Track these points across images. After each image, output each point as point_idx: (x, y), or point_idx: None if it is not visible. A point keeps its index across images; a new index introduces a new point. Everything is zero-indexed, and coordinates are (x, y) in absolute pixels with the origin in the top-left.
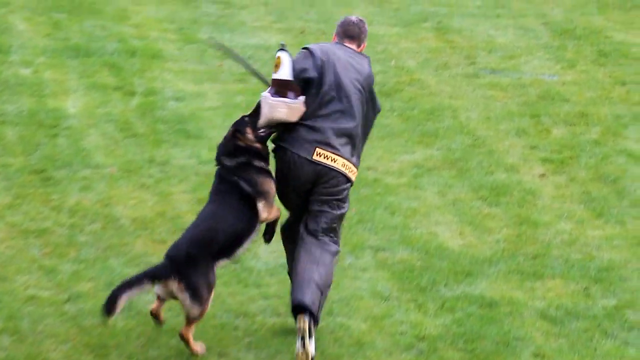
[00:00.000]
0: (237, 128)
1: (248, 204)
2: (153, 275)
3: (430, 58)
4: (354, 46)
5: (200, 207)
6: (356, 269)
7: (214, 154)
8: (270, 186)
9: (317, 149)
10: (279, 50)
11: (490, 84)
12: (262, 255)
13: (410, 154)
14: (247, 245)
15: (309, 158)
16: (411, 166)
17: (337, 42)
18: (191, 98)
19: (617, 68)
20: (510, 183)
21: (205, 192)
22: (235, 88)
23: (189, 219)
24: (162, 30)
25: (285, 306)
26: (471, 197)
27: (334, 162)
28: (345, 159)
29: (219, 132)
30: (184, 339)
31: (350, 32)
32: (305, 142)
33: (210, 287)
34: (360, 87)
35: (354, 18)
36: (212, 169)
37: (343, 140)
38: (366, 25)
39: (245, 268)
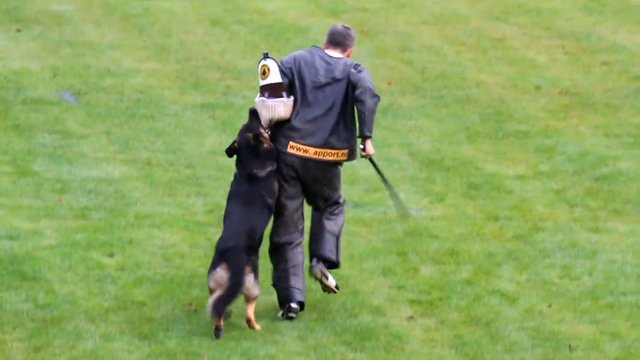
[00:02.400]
0: (254, 132)
1: (268, 208)
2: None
3: None
4: (337, 51)
5: (37, 357)
6: None
7: (51, 298)
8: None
9: (290, 142)
10: (263, 58)
11: (353, 219)
12: None
13: (268, 295)
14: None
15: (284, 150)
16: (268, 308)
17: (315, 47)
18: (26, 236)
19: (488, 202)
20: (376, 326)
21: (43, 340)
22: (74, 225)
23: None
24: None
25: None
26: (334, 341)
27: (306, 152)
28: (318, 147)
29: (56, 274)
30: (250, 321)
31: (335, 40)
32: (282, 136)
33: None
34: (330, 79)
35: (339, 26)
36: (50, 314)
37: (313, 128)
38: (352, 32)
39: None
